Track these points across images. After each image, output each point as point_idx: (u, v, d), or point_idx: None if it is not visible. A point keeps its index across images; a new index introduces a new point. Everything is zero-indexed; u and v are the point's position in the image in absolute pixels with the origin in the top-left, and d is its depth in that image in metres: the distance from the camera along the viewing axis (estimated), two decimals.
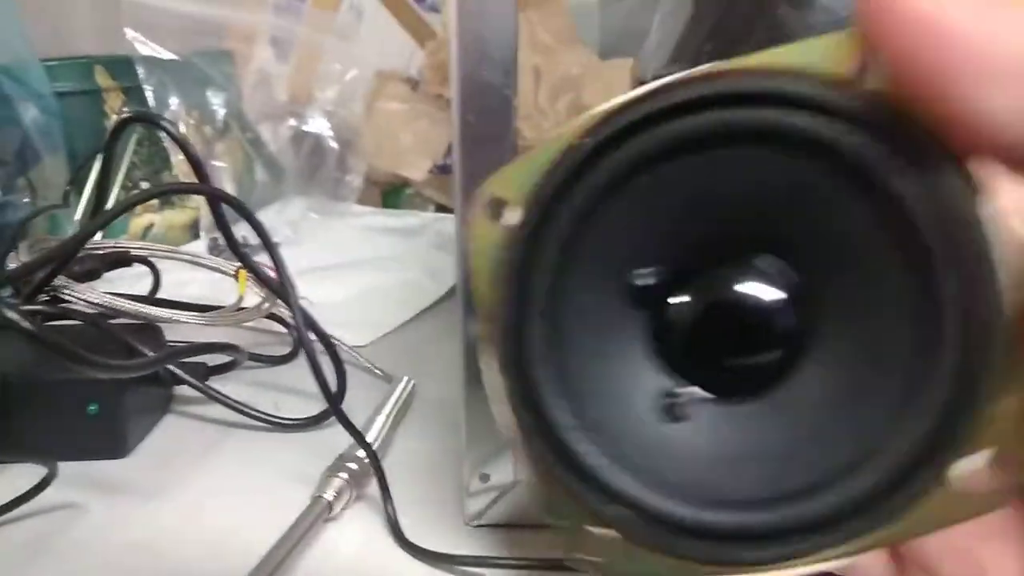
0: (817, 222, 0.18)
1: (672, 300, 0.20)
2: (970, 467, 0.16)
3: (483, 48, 0.22)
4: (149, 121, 0.34)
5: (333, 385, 0.34)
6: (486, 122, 0.22)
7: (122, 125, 0.30)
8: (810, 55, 0.16)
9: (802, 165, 0.17)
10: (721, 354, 0.20)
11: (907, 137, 0.16)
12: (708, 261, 0.20)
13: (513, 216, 0.19)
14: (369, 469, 0.31)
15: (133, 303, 0.36)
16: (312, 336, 0.36)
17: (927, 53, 0.14)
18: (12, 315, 0.21)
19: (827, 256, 0.18)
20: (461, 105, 0.22)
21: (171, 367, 0.35)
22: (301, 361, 0.43)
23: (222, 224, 0.32)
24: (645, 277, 0.20)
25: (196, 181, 0.32)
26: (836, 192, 0.17)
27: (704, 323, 0.20)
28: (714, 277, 0.20)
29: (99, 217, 0.27)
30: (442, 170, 0.70)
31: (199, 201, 0.63)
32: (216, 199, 0.31)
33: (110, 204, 0.49)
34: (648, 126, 0.18)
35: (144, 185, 0.61)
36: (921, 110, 0.15)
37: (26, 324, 0.22)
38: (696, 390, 0.20)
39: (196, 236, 0.63)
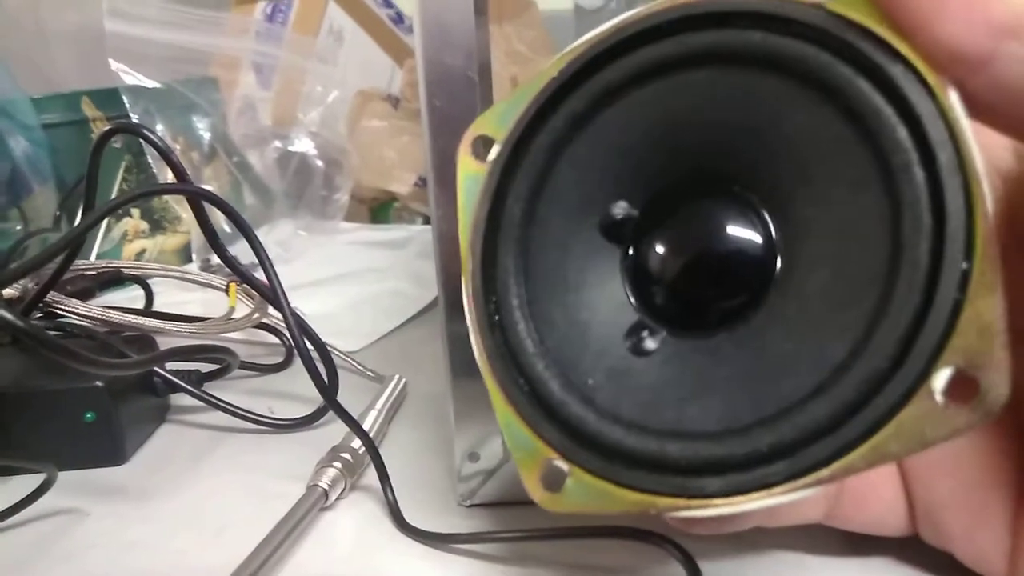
0: (782, 141, 0.18)
1: (645, 238, 0.20)
2: (944, 379, 0.15)
3: (445, 34, 0.23)
4: (131, 131, 0.35)
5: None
6: (452, 105, 0.23)
7: (106, 137, 0.31)
8: None
9: (762, 81, 0.17)
10: (692, 292, 0.20)
11: (863, 41, 0.16)
12: (681, 195, 0.20)
13: (495, 151, 0.20)
14: (363, 460, 0.31)
15: (126, 315, 0.36)
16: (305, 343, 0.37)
17: None
18: (5, 313, 0.22)
19: (793, 176, 0.18)
20: (427, 90, 0.23)
21: (166, 374, 0.36)
22: (293, 370, 0.44)
23: (205, 226, 0.33)
24: (617, 211, 0.20)
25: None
26: (798, 106, 0.17)
27: (676, 263, 0.20)
28: (687, 217, 0.20)
29: (89, 215, 0.27)
30: (426, 183, 0.71)
31: (189, 225, 0.64)
32: (199, 199, 0.32)
33: (100, 226, 0.50)
34: (614, 57, 0.18)
35: (134, 212, 0.62)
36: (879, 16, 0.16)
37: (19, 322, 0.22)
38: (659, 325, 0.20)
39: (189, 259, 0.64)
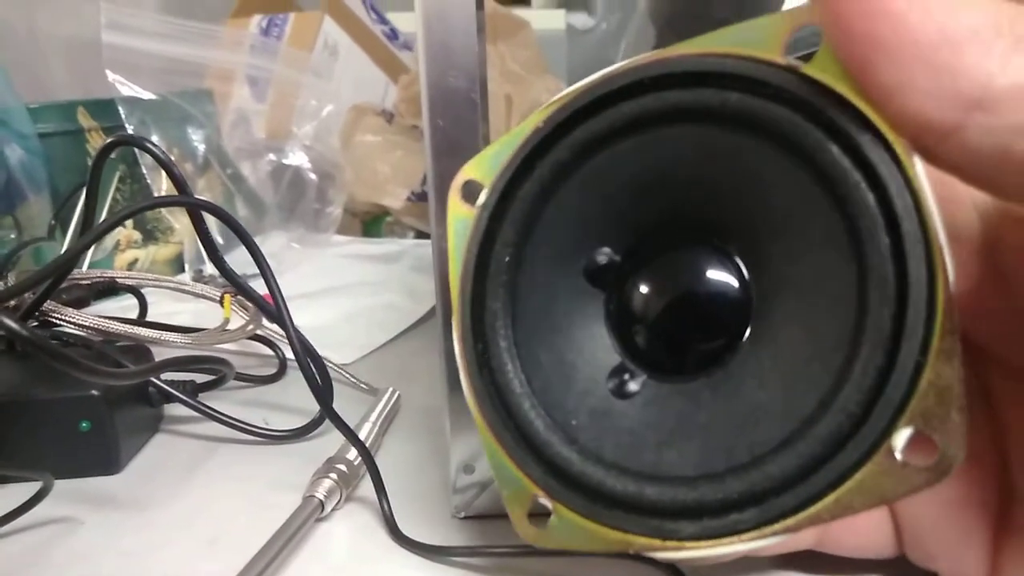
0: (757, 196, 0.19)
1: (628, 284, 0.21)
2: (903, 438, 0.16)
3: (449, 56, 0.23)
4: (133, 143, 0.36)
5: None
6: (454, 125, 0.24)
7: (108, 148, 0.32)
8: (747, 35, 0.18)
9: (738, 140, 0.18)
10: (671, 335, 0.21)
11: (835, 108, 0.16)
12: (662, 242, 0.21)
13: (484, 196, 0.20)
14: (358, 471, 0.32)
15: (121, 324, 0.37)
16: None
17: (861, 24, 0.15)
18: (10, 322, 0.22)
19: (768, 232, 0.19)
20: (430, 111, 0.24)
21: (161, 384, 0.36)
22: (287, 381, 0.45)
23: (204, 237, 0.33)
24: (600, 256, 0.21)
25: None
26: (772, 166, 0.18)
27: (656, 306, 0.21)
28: (667, 264, 0.21)
29: (89, 233, 0.28)
30: (419, 198, 0.72)
31: (182, 235, 0.64)
32: (202, 210, 0.32)
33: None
34: (596, 109, 0.19)
35: (128, 223, 0.62)
36: (852, 83, 0.16)
37: (23, 330, 0.23)
38: (641, 369, 0.21)
39: (181, 270, 0.64)
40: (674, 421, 0.20)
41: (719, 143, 0.19)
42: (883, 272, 0.16)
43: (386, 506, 0.30)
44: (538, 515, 0.20)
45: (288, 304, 0.35)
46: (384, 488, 0.30)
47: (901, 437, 0.16)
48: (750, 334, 0.20)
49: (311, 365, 0.32)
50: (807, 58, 0.17)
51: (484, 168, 0.20)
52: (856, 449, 0.16)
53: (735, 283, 0.20)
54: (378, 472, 0.30)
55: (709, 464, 0.18)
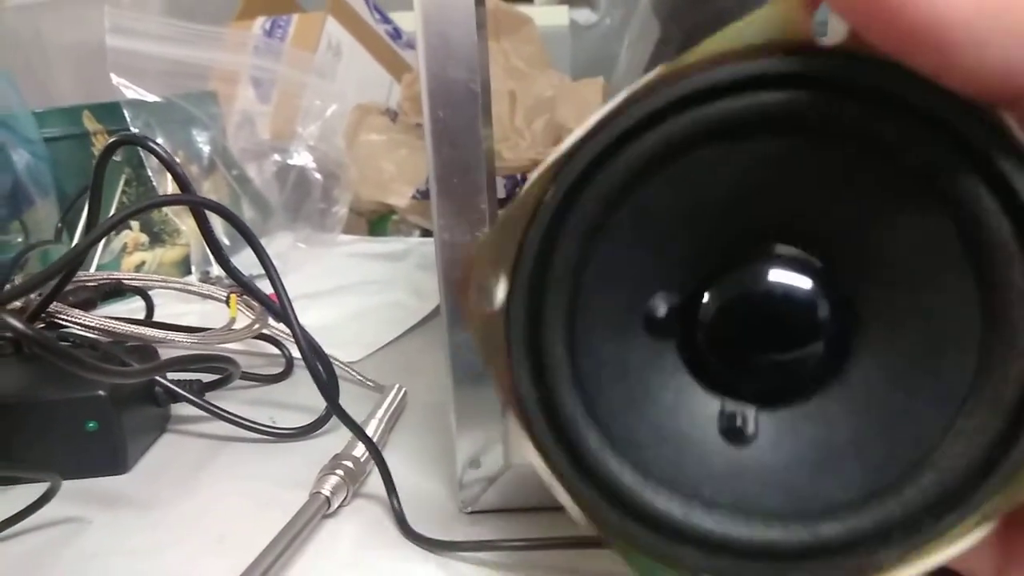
0: (826, 202, 0.17)
1: (700, 315, 0.18)
2: None
3: (448, 47, 0.23)
4: (135, 143, 0.36)
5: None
6: (455, 116, 0.24)
7: (111, 148, 0.32)
8: (770, 23, 0.15)
9: (798, 147, 0.16)
10: (768, 356, 0.18)
11: (937, 99, 0.14)
12: (723, 265, 0.18)
13: (503, 292, 0.18)
14: (365, 468, 0.32)
15: (128, 325, 0.37)
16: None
17: (882, 13, 0.13)
18: (15, 323, 0.22)
19: (853, 234, 0.17)
20: (430, 102, 0.24)
21: (167, 384, 0.36)
22: (293, 380, 0.45)
23: (209, 237, 0.33)
24: (658, 305, 0.18)
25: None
26: (849, 170, 0.16)
27: (733, 327, 0.18)
28: (736, 286, 0.18)
29: (96, 229, 0.28)
30: (424, 196, 0.72)
31: (189, 237, 0.64)
32: (204, 209, 0.32)
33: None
34: (606, 158, 0.16)
35: (134, 225, 0.63)
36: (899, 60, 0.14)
37: (29, 331, 0.23)
38: (748, 405, 0.18)
39: (188, 272, 0.64)
40: (815, 449, 0.17)
41: (763, 155, 0.16)
42: (1008, 252, 0.14)
43: (395, 501, 0.30)
44: None
45: (295, 303, 0.35)
46: (392, 483, 0.30)
47: None
48: (861, 334, 0.17)
49: (317, 363, 0.32)
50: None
51: (488, 266, 0.18)
52: (1009, 461, 0.15)
53: (811, 287, 0.18)
54: (386, 467, 0.30)
55: (876, 480, 0.16)
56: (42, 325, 0.36)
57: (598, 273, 0.17)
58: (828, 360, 0.17)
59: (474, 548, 0.27)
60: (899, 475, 0.16)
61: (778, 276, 0.17)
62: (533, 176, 0.17)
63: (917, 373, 0.16)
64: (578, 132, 0.17)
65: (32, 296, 0.34)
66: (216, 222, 0.38)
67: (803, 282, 0.17)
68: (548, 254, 0.17)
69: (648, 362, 0.18)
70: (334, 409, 0.31)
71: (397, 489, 0.30)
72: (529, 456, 0.18)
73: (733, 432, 0.18)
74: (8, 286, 0.37)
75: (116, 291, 0.47)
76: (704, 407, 0.18)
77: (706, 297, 0.18)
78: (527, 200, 0.17)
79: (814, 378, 0.18)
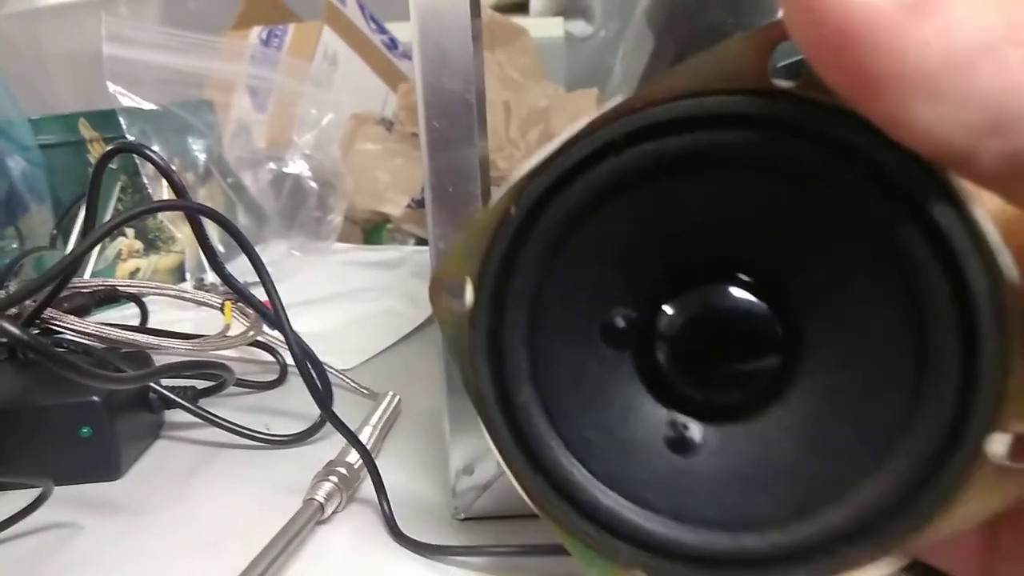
0: (774, 235, 0.18)
1: (655, 330, 0.19)
2: (1002, 443, 0.15)
3: (443, 58, 0.24)
4: (132, 150, 0.36)
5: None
6: (450, 126, 0.24)
7: (108, 156, 0.32)
8: (724, 65, 0.16)
9: (749, 183, 0.17)
10: (714, 372, 0.19)
11: (862, 135, 0.15)
12: (678, 285, 0.19)
13: (469, 296, 0.19)
14: (359, 474, 0.32)
15: (122, 332, 0.37)
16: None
17: (844, 58, 0.14)
18: (11, 328, 0.23)
19: (796, 261, 0.18)
20: (426, 112, 0.24)
21: (162, 390, 0.36)
22: (287, 387, 0.45)
23: (204, 243, 0.33)
24: (617, 318, 0.20)
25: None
26: (787, 199, 0.17)
27: (692, 343, 0.19)
28: (691, 298, 0.19)
29: (92, 235, 0.28)
30: (419, 204, 0.72)
31: (184, 244, 0.64)
32: (199, 215, 0.32)
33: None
34: (564, 182, 0.17)
35: (129, 232, 0.63)
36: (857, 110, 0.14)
37: (24, 336, 0.23)
38: (695, 420, 0.20)
39: (182, 279, 0.64)
40: (751, 465, 0.19)
41: (717, 187, 0.17)
42: (938, 291, 0.15)
43: (386, 507, 0.30)
44: None
45: (289, 310, 0.35)
46: (384, 489, 0.30)
47: (998, 443, 0.15)
48: (805, 363, 0.18)
49: (311, 369, 0.32)
50: (794, 74, 0.15)
51: (460, 264, 0.19)
52: (956, 465, 0.16)
53: (766, 308, 0.19)
54: (378, 473, 0.31)
55: (802, 502, 0.17)
56: (37, 331, 0.36)
57: (559, 286, 0.19)
58: (771, 383, 0.19)
59: (466, 553, 0.28)
60: (823, 501, 0.17)
61: (734, 298, 0.19)
62: (502, 189, 0.18)
63: (851, 407, 0.17)
64: (542, 153, 0.18)
65: (27, 302, 0.34)
66: (211, 229, 0.38)
67: (756, 306, 0.19)
68: (510, 269, 0.18)
69: (604, 370, 0.19)
70: (328, 416, 0.31)
71: (390, 495, 0.30)
72: (490, 446, 0.19)
73: (678, 441, 0.19)
74: (3, 292, 0.37)
75: (111, 297, 0.47)
76: (653, 416, 0.19)
77: (665, 310, 0.19)
78: (494, 212, 0.18)
79: (757, 399, 0.19)
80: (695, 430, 0.19)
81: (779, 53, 0.16)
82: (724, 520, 0.18)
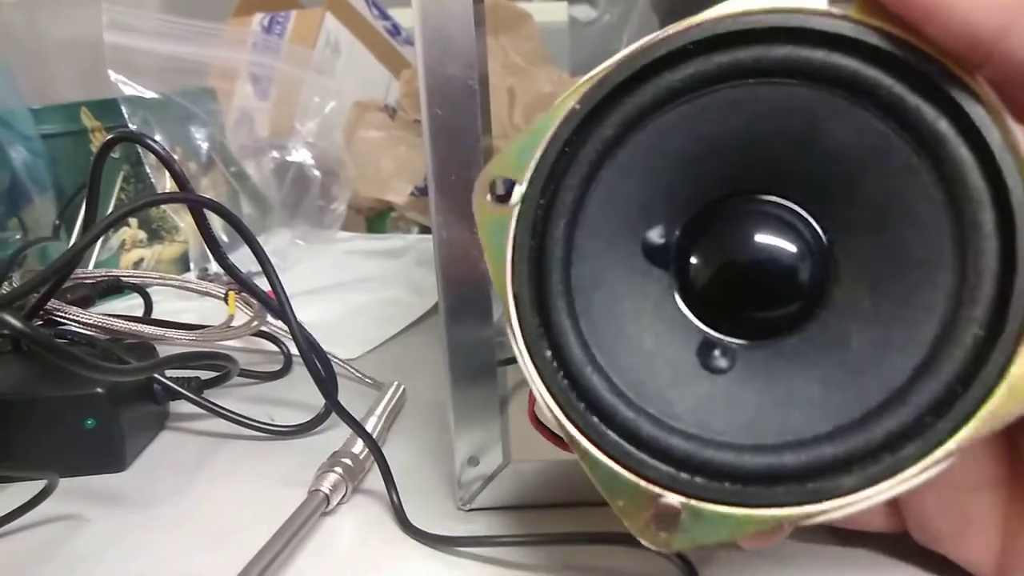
0: (825, 152, 0.18)
1: (694, 253, 0.19)
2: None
3: (445, 43, 0.23)
4: (133, 140, 0.36)
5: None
6: (453, 113, 0.24)
7: (108, 145, 0.32)
8: None
9: (808, 98, 0.17)
10: (751, 296, 0.19)
11: (909, 53, 0.16)
12: (721, 208, 0.19)
13: (520, 192, 0.19)
14: (364, 465, 0.32)
15: (126, 322, 0.37)
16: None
17: None
18: (12, 320, 0.22)
19: (842, 187, 0.18)
20: (428, 99, 0.24)
21: (166, 381, 0.36)
22: (291, 377, 0.45)
23: (207, 234, 0.33)
24: (655, 235, 0.20)
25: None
26: (846, 121, 0.17)
27: (725, 278, 0.19)
28: (731, 223, 0.19)
29: (93, 227, 0.28)
30: (423, 192, 0.71)
31: (187, 234, 0.64)
32: (201, 207, 0.32)
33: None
34: (636, 84, 0.18)
35: (132, 222, 0.62)
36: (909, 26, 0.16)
37: (27, 328, 0.23)
38: (728, 339, 0.19)
39: (186, 269, 0.64)
40: (787, 382, 0.18)
41: (780, 100, 0.18)
42: (978, 201, 0.16)
43: (395, 496, 0.29)
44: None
45: (293, 300, 0.35)
46: (392, 478, 0.30)
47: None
48: (839, 284, 0.19)
49: (315, 360, 0.32)
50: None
51: (512, 164, 0.19)
52: (998, 358, 0.16)
53: (806, 231, 0.19)
54: (386, 463, 0.30)
55: (842, 414, 0.17)
56: (40, 322, 0.36)
57: (606, 193, 0.19)
58: (806, 305, 0.19)
59: (473, 544, 0.28)
60: (863, 413, 0.17)
61: (769, 227, 0.19)
62: (567, 92, 0.19)
63: (888, 320, 0.18)
64: (615, 57, 0.18)
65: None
66: (214, 219, 0.38)
67: (791, 234, 0.19)
68: (567, 163, 0.18)
69: (640, 282, 0.20)
70: (333, 406, 0.31)
71: (396, 486, 0.30)
72: (515, 349, 0.19)
73: (713, 361, 0.19)
74: (6, 283, 0.37)
75: (114, 288, 0.47)
76: (686, 334, 0.20)
77: (705, 235, 0.19)
78: (557, 111, 0.19)
79: (792, 321, 0.19)
80: (728, 351, 0.19)
81: None
82: (761, 437, 0.18)
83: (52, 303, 0.35)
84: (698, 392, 0.19)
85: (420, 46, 0.23)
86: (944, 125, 0.16)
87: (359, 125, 0.75)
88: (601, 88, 0.18)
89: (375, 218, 0.77)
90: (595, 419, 0.18)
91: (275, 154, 0.72)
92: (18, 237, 0.53)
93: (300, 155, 0.72)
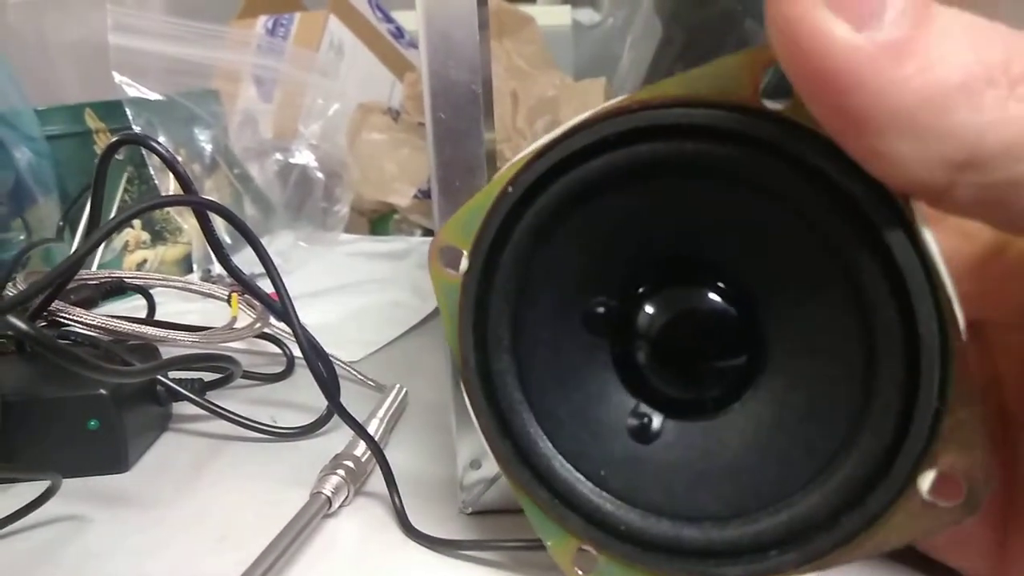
0: (750, 243, 0.19)
1: (631, 325, 0.21)
2: (929, 479, 0.16)
3: (450, 47, 0.23)
4: (137, 142, 0.36)
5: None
6: (456, 117, 0.24)
7: (113, 147, 0.32)
8: (720, 80, 0.16)
9: (721, 190, 0.17)
10: (681, 369, 0.21)
11: (822, 157, 0.15)
12: (657, 283, 0.21)
13: (463, 265, 0.20)
14: (366, 467, 0.32)
15: (130, 324, 0.37)
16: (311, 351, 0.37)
17: (827, 93, 0.14)
18: (16, 322, 0.22)
19: (766, 277, 0.19)
20: (432, 102, 0.24)
21: (168, 383, 0.36)
22: (295, 379, 0.45)
23: (210, 236, 0.33)
24: (596, 305, 0.21)
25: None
26: (764, 216, 0.18)
27: (662, 341, 0.21)
28: (667, 298, 0.21)
29: (96, 232, 0.28)
30: (426, 195, 0.72)
31: (191, 235, 0.64)
32: (206, 210, 0.32)
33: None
34: (564, 167, 0.18)
35: (135, 223, 0.63)
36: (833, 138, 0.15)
37: (30, 329, 0.23)
38: (656, 412, 0.21)
39: (189, 270, 0.64)
40: (701, 461, 0.20)
41: (702, 194, 0.18)
42: (890, 326, 0.16)
43: (397, 499, 0.30)
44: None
45: (296, 302, 0.35)
46: (394, 481, 0.30)
47: (927, 479, 0.16)
48: (764, 373, 0.20)
49: (318, 362, 0.32)
50: (787, 91, 0.16)
51: (459, 233, 0.20)
52: (885, 493, 0.17)
53: (735, 313, 0.20)
54: (388, 465, 0.30)
55: (741, 504, 0.19)
56: (43, 324, 0.36)
57: (546, 267, 0.20)
58: (732, 388, 0.20)
59: (475, 547, 0.27)
60: (760, 505, 0.18)
61: (709, 301, 0.20)
62: (503, 170, 0.20)
63: (800, 423, 0.19)
64: (542, 140, 0.19)
65: None
66: (218, 221, 0.38)
67: (727, 311, 0.20)
68: (502, 242, 0.20)
69: (581, 352, 0.21)
70: (335, 408, 0.31)
71: (398, 488, 0.30)
72: (468, 407, 0.21)
73: (639, 430, 0.21)
74: (10, 283, 0.37)
75: (117, 289, 0.47)
76: (621, 403, 0.21)
77: (644, 305, 0.21)
78: (494, 187, 0.20)
79: (717, 401, 0.20)
80: (657, 421, 0.21)
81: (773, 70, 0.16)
82: (670, 509, 0.19)
83: (55, 304, 0.35)
84: (624, 457, 0.21)
85: (424, 50, 0.23)
86: (865, 259, 0.16)
87: (362, 128, 0.75)
88: (529, 173, 0.19)
89: (378, 220, 0.77)
90: (531, 477, 0.20)
91: (278, 156, 0.72)
92: (22, 238, 0.53)
93: (303, 157, 0.72)
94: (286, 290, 0.34)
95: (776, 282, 0.19)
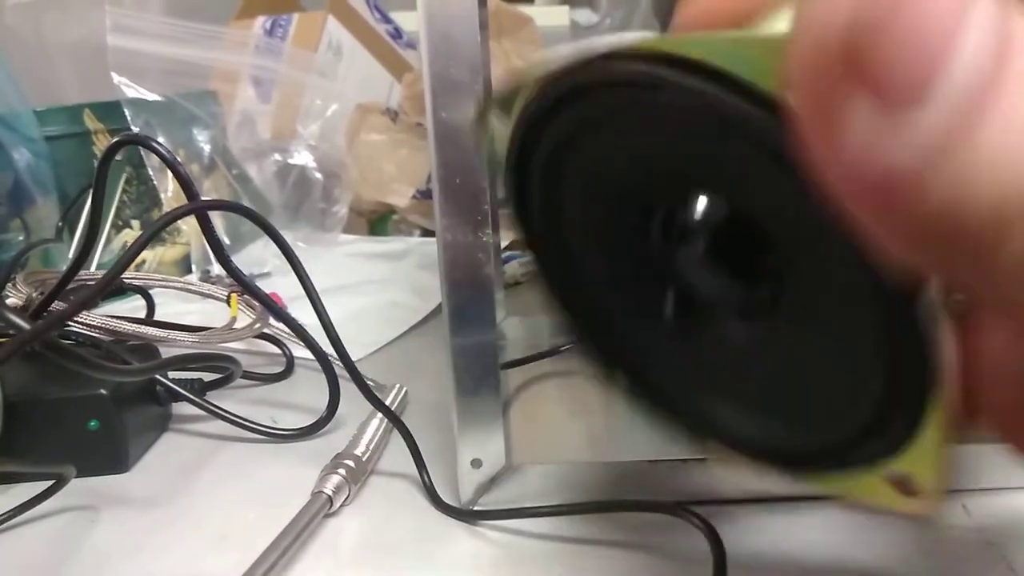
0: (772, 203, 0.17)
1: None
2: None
3: (451, 48, 0.23)
4: (139, 143, 0.36)
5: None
6: (457, 117, 0.24)
7: (114, 148, 0.32)
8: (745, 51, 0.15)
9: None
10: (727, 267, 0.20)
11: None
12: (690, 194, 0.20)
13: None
14: (366, 467, 0.32)
15: (129, 324, 0.37)
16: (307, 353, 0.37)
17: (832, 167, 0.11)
18: (18, 320, 0.22)
19: (795, 240, 0.18)
20: (433, 102, 0.24)
21: (168, 383, 0.36)
22: (295, 379, 0.45)
23: (211, 237, 0.33)
24: (636, 209, 0.20)
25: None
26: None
27: (712, 233, 0.19)
28: (715, 198, 0.19)
29: (129, 250, 0.28)
30: (425, 195, 0.72)
31: (189, 236, 0.64)
32: (238, 213, 0.32)
33: (103, 233, 0.51)
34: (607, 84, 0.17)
35: (134, 224, 0.63)
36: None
37: (25, 324, 0.23)
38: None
39: (188, 271, 0.64)
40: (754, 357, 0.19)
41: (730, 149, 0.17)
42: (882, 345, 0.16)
43: (425, 476, 0.31)
44: None
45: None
46: (421, 456, 0.31)
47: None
48: (788, 300, 0.19)
49: (327, 358, 0.32)
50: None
51: (503, 98, 0.19)
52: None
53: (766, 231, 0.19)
54: (413, 437, 0.31)
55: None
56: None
57: (584, 158, 0.19)
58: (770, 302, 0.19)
59: (506, 516, 0.29)
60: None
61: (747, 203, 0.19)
62: (554, 62, 0.18)
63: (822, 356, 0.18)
64: (603, 47, 0.17)
65: (34, 294, 0.34)
66: (216, 221, 0.38)
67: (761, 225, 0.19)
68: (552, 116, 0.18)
69: (623, 234, 0.20)
70: (353, 378, 0.32)
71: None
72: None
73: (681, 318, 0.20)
74: (10, 285, 0.37)
75: (117, 290, 0.47)
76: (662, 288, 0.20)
77: (690, 207, 0.19)
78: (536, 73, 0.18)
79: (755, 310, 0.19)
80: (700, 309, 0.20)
81: None
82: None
83: (56, 305, 0.35)
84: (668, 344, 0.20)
85: (425, 50, 0.23)
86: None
87: (361, 128, 0.75)
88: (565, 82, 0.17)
89: (377, 221, 0.77)
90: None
91: (277, 157, 0.72)
92: (21, 239, 0.53)
93: (302, 158, 0.72)
94: (314, 286, 0.34)
95: (793, 231, 0.18)
